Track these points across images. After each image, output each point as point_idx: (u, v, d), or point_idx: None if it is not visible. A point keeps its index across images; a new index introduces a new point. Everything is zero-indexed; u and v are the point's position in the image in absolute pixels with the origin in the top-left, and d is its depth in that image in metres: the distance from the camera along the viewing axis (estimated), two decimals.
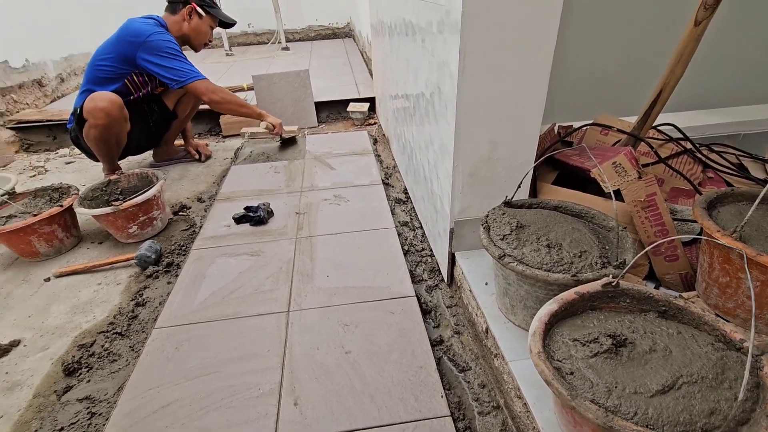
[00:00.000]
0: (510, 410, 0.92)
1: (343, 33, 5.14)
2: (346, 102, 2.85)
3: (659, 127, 1.34)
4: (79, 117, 1.82)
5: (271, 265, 1.40)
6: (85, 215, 1.54)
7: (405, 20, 1.48)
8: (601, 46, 1.57)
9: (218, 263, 1.42)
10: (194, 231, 1.69)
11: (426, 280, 1.36)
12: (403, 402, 0.93)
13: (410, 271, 1.35)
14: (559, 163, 1.31)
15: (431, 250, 1.48)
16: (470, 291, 1.13)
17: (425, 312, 1.22)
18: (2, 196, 1.60)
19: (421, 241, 1.55)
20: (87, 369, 1.12)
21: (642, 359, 0.64)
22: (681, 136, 1.31)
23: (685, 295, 0.94)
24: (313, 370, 1.02)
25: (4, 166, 2.38)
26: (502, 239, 0.90)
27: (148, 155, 2.35)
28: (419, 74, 1.34)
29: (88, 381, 1.08)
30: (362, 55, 4.00)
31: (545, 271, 0.81)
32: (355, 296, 1.24)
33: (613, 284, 0.74)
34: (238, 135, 2.70)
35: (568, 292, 0.75)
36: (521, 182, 1.02)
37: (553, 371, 0.61)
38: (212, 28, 2.04)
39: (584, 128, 1.39)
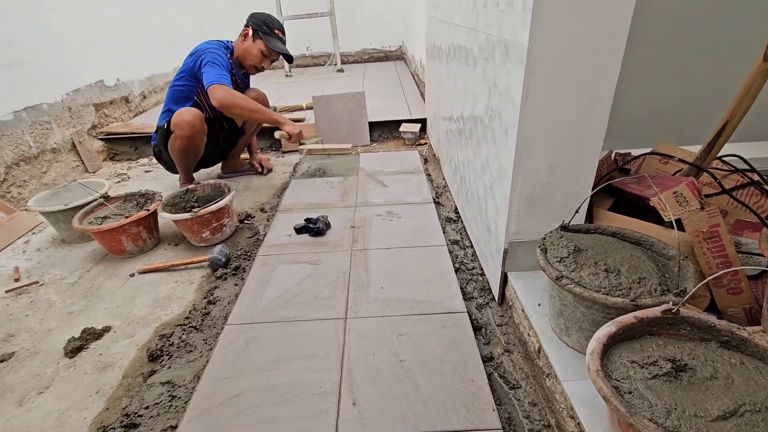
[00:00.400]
0: (561, 429, 0.93)
1: (395, 56, 5.33)
2: (398, 122, 2.96)
3: (724, 158, 1.32)
4: (165, 131, 2.04)
5: (329, 274, 1.50)
6: (167, 219, 1.71)
7: (464, 48, 1.57)
8: (662, 74, 1.58)
9: (281, 269, 1.54)
10: (258, 238, 1.83)
11: (476, 298, 1.40)
12: (455, 411, 0.97)
13: (461, 288, 1.39)
14: (615, 190, 1.32)
15: (482, 269, 1.52)
16: (522, 311, 1.16)
17: (476, 328, 1.25)
18: (99, 199, 1.82)
19: (471, 260, 1.59)
20: (168, 357, 1.25)
21: (702, 385, 0.66)
22: (747, 167, 1.29)
23: (749, 328, 0.92)
24: (369, 374, 1.09)
25: (94, 172, 2.69)
26: (559, 261, 0.94)
27: (216, 168, 2.57)
28: (478, 100, 1.41)
29: (169, 367, 1.21)
30: (413, 77, 4.14)
31: (603, 294, 0.84)
32: (407, 308, 1.31)
33: (674, 311, 0.76)
34: (296, 151, 2.87)
35: (627, 315, 0.78)
36: (579, 208, 1.05)
37: (611, 389, 0.64)
38: (264, 55, 2.11)
39: (643, 156, 1.39)
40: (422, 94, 3.45)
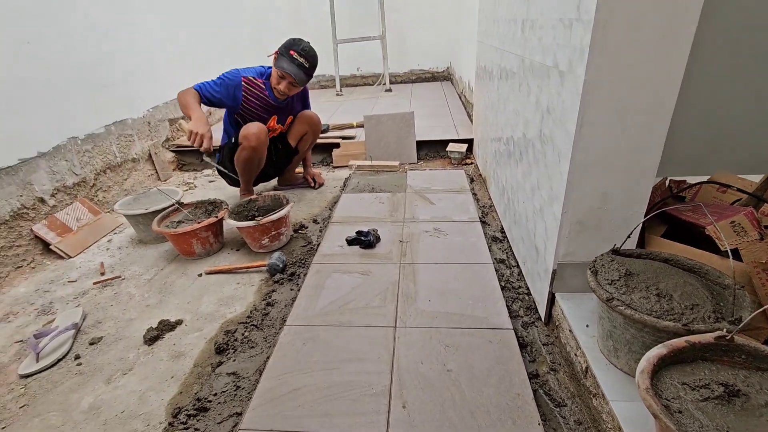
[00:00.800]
0: None
1: (442, 76, 5.46)
2: (444, 142, 3.05)
3: None
4: (233, 146, 2.24)
5: (379, 284, 1.58)
6: (232, 226, 1.88)
7: (516, 75, 1.64)
8: (721, 101, 1.56)
9: (334, 277, 1.65)
10: (311, 248, 1.96)
11: (522, 317, 1.43)
12: (502, 423, 1.01)
13: (507, 306, 1.43)
14: (669, 217, 1.33)
15: (528, 288, 1.55)
16: (570, 331, 1.19)
17: (521, 346, 1.29)
18: (175, 205, 2.02)
19: (517, 279, 1.62)
20: (232, 350, 1.37)
21: (757, 411, 0.67)
22: None
23: None
24: (418, 380, 1.15)
25: (166, 180, 2.96)
26: (610, 284, 0.97)
27: (273, 181, 2.76)
28: (530, 124, 1.47)
29: (234, 360, 1.33)
30: (460, 98, 4.23)
31: (654, 317, 0.86)
32: (454, 322, 1.36)
33: (728, 338, 0.77)
34: (346, 166, 3.02)
35: (678, 339, 0.80)
36: (631, 233, 1.08)
37: (661, 407, 0.67)
38: (279, 76, 2.11)
39: (699, 185, 1.39)
40: (469, 115, 3.52)
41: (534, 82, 1.41)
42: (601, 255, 1.07)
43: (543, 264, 1.34)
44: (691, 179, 1.45)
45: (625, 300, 0.92)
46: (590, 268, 1.04)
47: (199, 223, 1.86)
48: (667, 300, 0.90)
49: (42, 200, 2.08)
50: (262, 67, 2.27)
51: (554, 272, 1.27)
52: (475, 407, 1.05)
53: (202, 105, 2.12)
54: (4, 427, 1.16)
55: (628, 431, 0.87)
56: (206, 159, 2.21)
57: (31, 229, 2.00)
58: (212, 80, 2.14)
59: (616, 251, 1.08)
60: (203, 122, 2.00)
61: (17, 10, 1.99)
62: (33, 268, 1.96)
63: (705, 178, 1.39)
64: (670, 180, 1.49)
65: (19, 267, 1.93)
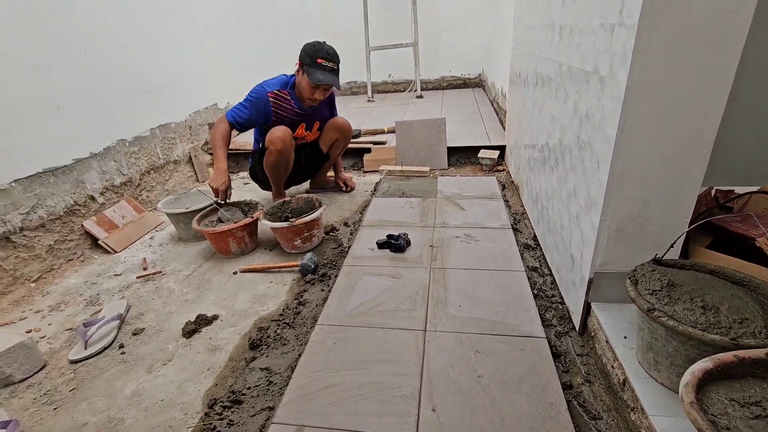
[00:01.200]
0: None
1: (474, 83, 5.43)
2: (476, 148, 3.03)
3: None
4: (261, 150, 2.30)
5: (409, 288, 1.59)
6: (266, 226, 1.93)
7: (553, 81, 1.62)
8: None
9: (364, 279, 1.67)
10: (342, 250, 1.99)
11: (555, 326, 1.40)
12: (533, 431, 0.99)
13: (539, 315, 1.41)
14: (715, 228, 1.27)
15: (562, 297, 1.51)
16: (606, 342, 1.15)
17: (554, 355, 1.26)
18: (213, 204, 2.11)
19: (550, 288, 1.59)
20: (266, 347, 1.41)
21: None
22: None
23: None
24: (447, 384, 1.14)
25: (203, 182, 3.08)
26: (651, 294, 0.94)
27: (305, 184, 2.82)
28: (567, 130, 1.45)
29: (267, 356, 1.37)
30: (493, 104, 4.19)
31: (700, 330, 0.83)
32: (485, 328, 1.35)
33: None
34: (377, 171, 3.06)
35: (726, 354, 0.77)
36: (674, 243, 1.04)
37: (707, 422, 0.65)
38: (313, 87, 2.11)
39: (749, 195, 1.32)
40: (501, 122, 3.49)
41: (572, 88, 1.39)
42: (642, 264, 1.04)
43: (578, 272, 1.32)
44: (740, 189, 1.39)
45: (667, 311, 0.89)
46: (630, 278, 1.01)
47: (235, 222, 1.92)
48: (714, 313, 0.87)
49: (92, 198, 2.21)
50: (284, 75, 2.30)
51: (590, 281, 1.24)
52: (506, 414, 1.04)
53: (232, 134, 2.20)
54: (56, 408, 1.24)
55: None
56: (221, 212, 2.09)
57: (82, 225, 2.13)
58: (240, 104, 2.21)
59: (657, 261, 1.04)
60: (221, 173, 2.06)
61: (78, 23, 2.14)
62: (82, 261, 2.08)
63: (755, 188, 1.33)
64: (716, 189, 1.43)
65: (70, 260, 2.05)
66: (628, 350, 1.08)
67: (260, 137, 2.38)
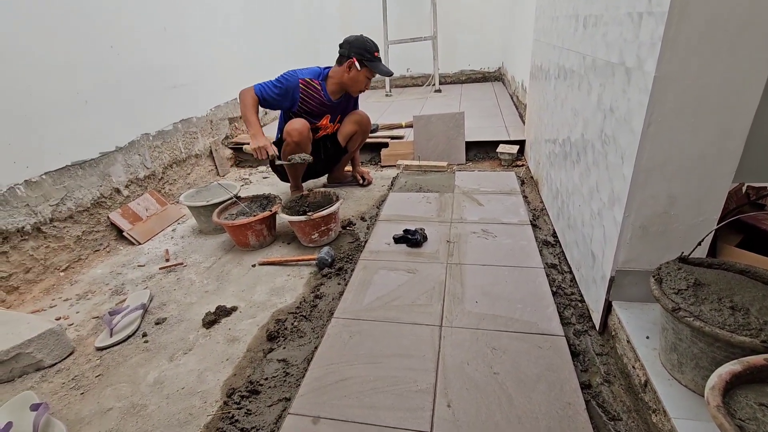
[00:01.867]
0: None
1: (493, 77, 5.34)
2: (494, 143, 2.98)
3: None
4: (278, 142, 2.32)
5: (426, 283, 1.58)
6: (284, 220, 1.95)
7: (576, 73, 1.57)
8: None
9: (381, 274, 1.67)
10: (359, 244, 1.99)
11: (574, 324, 1.37)
12: None
13: (558, 313, 1.38)
14: (746, 225, 1.22)
15: (581, 295, 1.48)
16: (627, 342, 1.12)
17: (573, 354, 1.23)
18: (233, 198, 2.14)
19: (570, 285, 1.56)
20: (283, 338, 1.43)
21: None
22: None
23: None
24: (463, 381, 1.14)
25: (224, 176, 3.14)
26: (676, 293, 0.91)
27: (323, 178, 2.84)
28: (589, 124, 1.41)
29: (284, 348, 1.39)
30: (512, 98, 4.12)
31: (728, 331, 0.80)
32: (502, 325, 1.34)
33: None
34: (394, 166, 3.05)
35: (756, 357, 0.74)
36: (702, 240, 1.01)
37: (735, 427, 0.63)
38: (369, 78, 2.26)
39: None
40: (521, 116, 3.43)
41: (596, 80, 1.35)
42: (667, 263, 1.01)
43: (599, 270, 1.28)
44: None
45: (693, 311, 0.86)
46: (654, 276, 0.98)
47: (254, 216, 1.95)
48: (743, 314, 0.83)
49: (118, 191, 2.27)
50: (318, 68, 2.34)
51: (612, 279, 1.21)
52: (522, 413, 1.03)
53: (259, 106, 2.23)
54: (83, 393, 1.29)
55: None
56: (279, 162, 2.30)
57: (108, 217, 2.20)
58: (271, 81, 2.24)
59: (683, 259, 1.01)
60: (260, 136, 2.15)
61: (105, 20, 2.20)
62: (108, 252, 2.15)
63: None
64: (748, 186, 1.37)
65: (96, 250, 2.12)
66: (650, 351, 1.05)
67: (282, 127, 2.38)
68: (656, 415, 0.95)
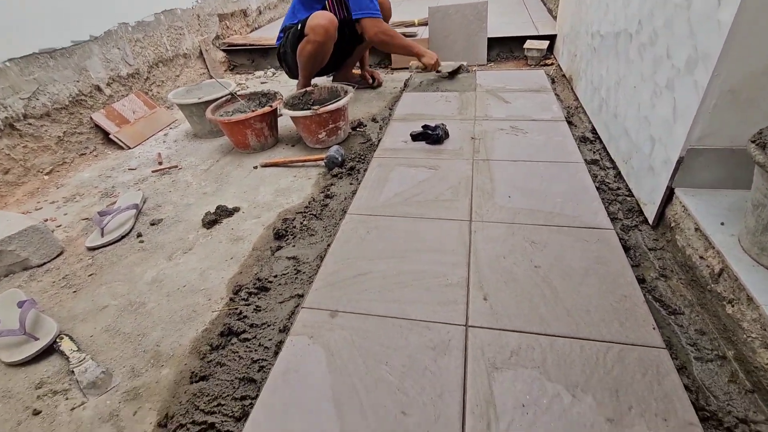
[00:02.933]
0: (746, 363, 0.77)
1: None
2: (521, 39, 2.63)
3: None
4: (299, 33, 1.97)
5: (450, 179, 1.40)
6: (288, 115, 1.72)
7: None
8: None
9: (398, 171, 1.48)
10: (371, 144, 1.79)
11: (621, 219, 1.21)
12: (606, 324, 0.85)
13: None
14: None
15: (629, 189, 1.30)
16: (696, 230, 0.96)
17: (623, 249, 1.09)
18: (228, 95, 1.90)
19: (614, 180, 1.38)
20: (292, 237, 1.29)
21: None
22: None
23: None
24: (500, 274, 1.00)
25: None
26: None
27: (328, 79, 2.54)
28: None
29: (293, 246, 1.25)
30: None
31: None
32: (541, 219, 1.17)
33: None
34: (406, 68, 2.73)
35: None
36: None
37: None
38: None
39: None
40: (550, 11, 3.01)
41: None
42: None
43: (661, 154, 1.09)
44: None
45: None
46: (754, 141, 0.78)
47: (253, 111, 1.72)
48: None
49: (98, 88, 2.02)
50: None
51: (680, 161, 1.01)
52: (571, 306, 0.90)
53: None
54: (75, 291, 1.17)
55: None
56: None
57: (91, 118, 1.97)
58: None
59: None
60: (428, 51, 2.20)
61: None
62: (95, 156, 1.96)
63: None
64: None
65: (82, 154, 1.93)
66: (727, 237, 0.89)
67: (302, 12, 2.01)
68: (734, 306, 0.81)
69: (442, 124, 1.67)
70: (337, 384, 0.79)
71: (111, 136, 1.99)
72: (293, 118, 1.74)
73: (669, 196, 1.08)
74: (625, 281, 0.95)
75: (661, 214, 1.12)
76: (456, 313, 0.91)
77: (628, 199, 1.28)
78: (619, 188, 1.33)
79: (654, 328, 0.83)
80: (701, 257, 0.94)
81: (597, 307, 0.89)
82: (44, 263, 1.29)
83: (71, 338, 1.00)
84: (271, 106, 1.76)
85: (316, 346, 0.87)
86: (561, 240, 1.09)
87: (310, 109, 1.68)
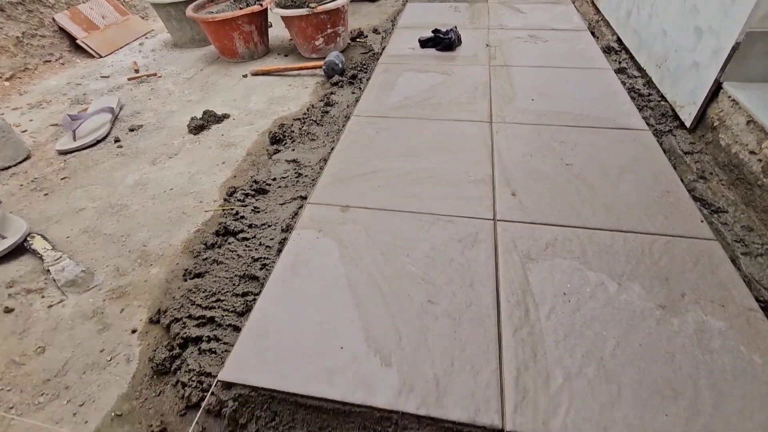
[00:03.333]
0: None
1: None
2: None
3: None
4: None
5: (465, 83, 1.27)
6: (280, 14, 1.52)
7: None
8: None
9: (407, 76, 1.33)
10: (373, 53, 1.61)
11: (654, 125, 1.10)
12: (649, 217, 0.77)
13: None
14: None
15: (660, 95, 1.19)
16: (749, 123, 0.86)
17: None
18: None
19: (644, 87, 1.26)
20: (290, 141, 1.16)
21: None
22: None
23: None
24: (528, 171, 0.90)
25: None
26: None
27: None
28: None
29: (293, 149, 1.12)
30: None
31: None
32: (570, 120, 1.06)
33: None
34: None
35: None
36: None
37: None
38: None
39: None
40: None
41: None
42: None
43: (711, 43, 0.96)
44: None
45: None
46: None
47: (240, 9, 1.52)
48: None
49: None
50: None
51: (734, 49, 0.89)
52: (609, 202, 0.81)
53: None
54: (46, 194, 1.04)
55: None
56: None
57: (53, 19, 1.73)
58: None
59: None
60: None
61: None
62: (62, 64, 1.74)
63: None
64: None
65: (47, 61, 1.71)
66: None
67: None
68: None
69: (455, 27, 1.49)
70: (353, 275, 0.70)
71: (79, 42, 1.76)
72: (286, 20, 1.54)
73: (715, 92, 0.97)
74: (666, 178, 0.86)
75: (701, 116, 1.02)
76: (482, 208, 0.81)
77: (662, 103, 1.17)
78: (650, 94, 1.22)
79: (702, 221, 0.75)
80: (752, 152, 0.85)
81: (638, 201, 0.81)
82: (9, 167, 1.14)
83: (44, 237, 0.89)
84: (261, 5, 1.56)
85: (326, 239, 0.77)
86: (593, 140, 0.98)
87: (308, 7, 1.48)
